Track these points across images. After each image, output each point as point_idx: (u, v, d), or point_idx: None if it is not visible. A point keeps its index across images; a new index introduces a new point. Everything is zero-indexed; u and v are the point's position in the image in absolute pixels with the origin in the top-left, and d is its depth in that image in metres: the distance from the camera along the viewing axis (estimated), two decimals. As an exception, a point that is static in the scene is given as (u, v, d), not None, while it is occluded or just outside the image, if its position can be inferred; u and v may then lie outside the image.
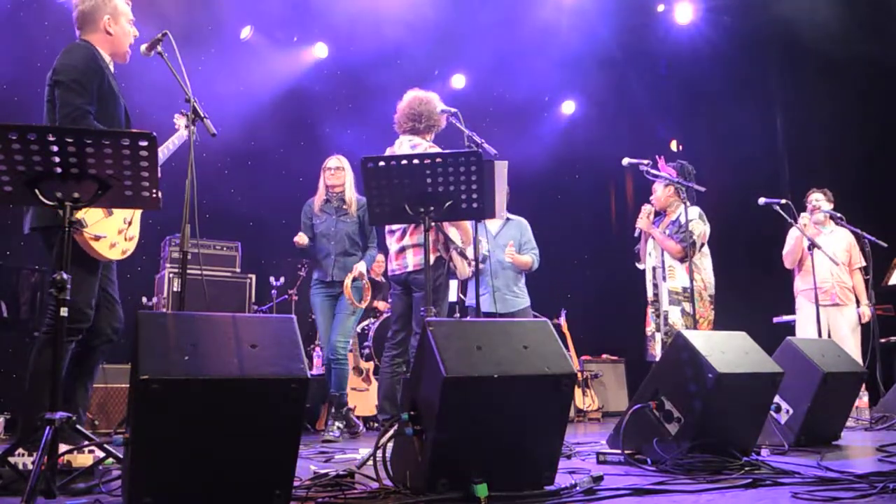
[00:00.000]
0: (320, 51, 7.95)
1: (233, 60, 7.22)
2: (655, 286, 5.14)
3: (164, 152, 3.39)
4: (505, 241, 5.34)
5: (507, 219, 5.45)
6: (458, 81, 8.71)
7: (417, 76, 8.19)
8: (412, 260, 4.14)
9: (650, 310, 5.15)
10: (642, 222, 5.20)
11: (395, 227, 4.22)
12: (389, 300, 6.88)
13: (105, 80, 3.14)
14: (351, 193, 5.20)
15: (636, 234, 5.28)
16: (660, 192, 5.20)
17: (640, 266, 5.32)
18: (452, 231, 4.21)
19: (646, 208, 5.22)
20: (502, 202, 4.38)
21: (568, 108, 9.30)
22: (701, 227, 5.04)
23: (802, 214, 5.82)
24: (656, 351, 4.99)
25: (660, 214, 5.27)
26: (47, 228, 3.00)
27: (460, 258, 4.25)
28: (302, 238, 5.06)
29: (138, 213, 3.32)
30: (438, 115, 4.25)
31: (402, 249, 4.18)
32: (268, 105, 7.28)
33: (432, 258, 3.96)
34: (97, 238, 3.03)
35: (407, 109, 4.25)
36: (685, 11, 8.37)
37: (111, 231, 3.12)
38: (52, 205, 2.48)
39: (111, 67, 3.29)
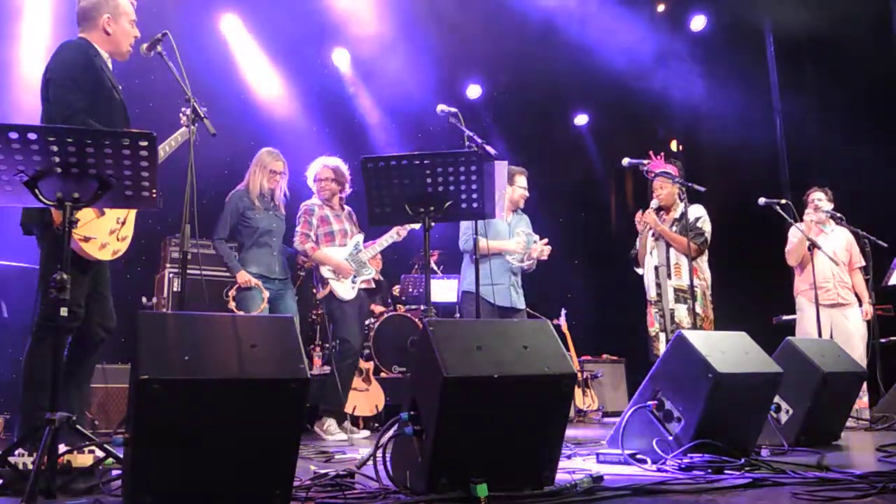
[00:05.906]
0: (323, 51, 7.94)
1: (233, 60, 7.22)
2: (658, 285, 5.03)
3: (165, 150, 3.37)
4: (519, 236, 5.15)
5: (516, 211, 5.24)
6: (458, 83, 8.72)
7: (422, 79, 8.22)
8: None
9: (653, 309, 5.04)
10: (650, 217, 5.02)
11: None
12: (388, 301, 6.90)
13: (101, 78, 3.11)
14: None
15: (643, 228, 5.12)
16: (668, 188, 5.02)
17: (640, 271, 5.20)
18: (324, 268, 5.02)
19: (653, 204, 5.08)
20: (502, 202, 4.39)
21: (568, 107, 9.29)
22: (709, 226, 5.01)
23: (807, 211, 5.80)
24: (661, 351, 4.93)
25: (660, 212, 5.21)
26: (36, 227, 2.99)
27: (339, 284, 5.02)
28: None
29: (132, 213, 3.28)
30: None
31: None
32: (268, 105, 7.27)
33: (325, 291, 4.99)
34: (87, 239, 3.00)
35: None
36: (684, 11, 8.36)
37: (102, 232, 3.09)
38: (53, 204, 2.48)
39: (109, 65, 3.26)
